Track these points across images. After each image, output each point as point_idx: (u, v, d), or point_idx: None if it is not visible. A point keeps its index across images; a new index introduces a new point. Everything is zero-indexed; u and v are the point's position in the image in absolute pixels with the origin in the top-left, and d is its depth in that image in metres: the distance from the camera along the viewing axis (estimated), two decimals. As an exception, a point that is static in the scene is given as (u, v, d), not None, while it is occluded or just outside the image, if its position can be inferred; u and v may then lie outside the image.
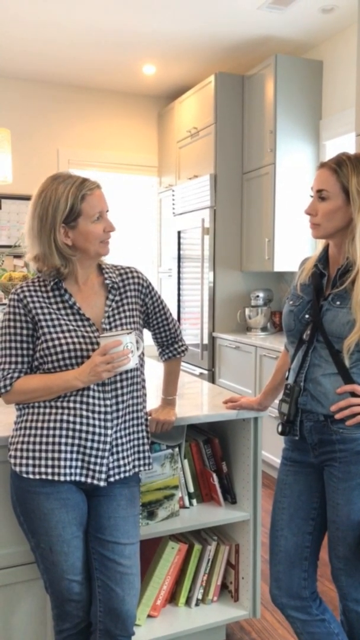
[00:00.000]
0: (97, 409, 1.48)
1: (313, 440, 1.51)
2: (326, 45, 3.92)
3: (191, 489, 2.05)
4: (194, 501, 2.06)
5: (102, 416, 1.48)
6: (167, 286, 5.16)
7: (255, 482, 2.00)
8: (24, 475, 1.44)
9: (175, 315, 4.79)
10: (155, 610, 1.98)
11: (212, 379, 4.30)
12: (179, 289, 4.76)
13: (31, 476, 1.44)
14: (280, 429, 1.56)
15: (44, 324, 1.47)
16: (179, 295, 4.76)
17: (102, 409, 1.48)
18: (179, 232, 4.71)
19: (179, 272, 4.74)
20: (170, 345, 1.77)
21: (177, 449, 1.97)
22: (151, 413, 1.77)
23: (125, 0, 3.34)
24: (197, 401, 2.11)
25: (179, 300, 4.76)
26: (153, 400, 1.94)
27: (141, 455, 1.58)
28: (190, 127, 4.51)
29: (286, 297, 1.68)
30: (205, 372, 4.32)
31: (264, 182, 3.97)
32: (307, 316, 1.52)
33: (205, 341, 4.31)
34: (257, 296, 4.19)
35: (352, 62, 3.63)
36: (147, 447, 1.60)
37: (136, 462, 1.57)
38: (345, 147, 3.51)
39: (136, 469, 1.57)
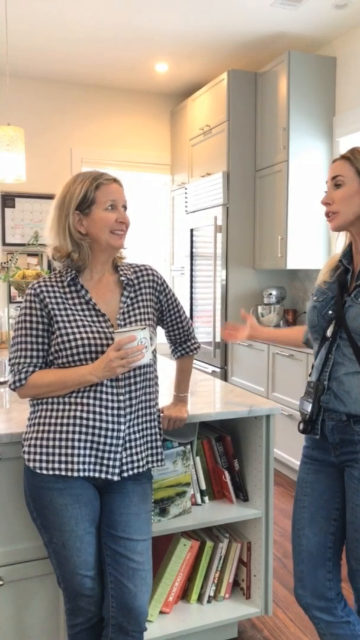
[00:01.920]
0: (110, 404, 1.48)
1: (334, 439, 1.49)
2: (339, 42, 3.89)
3: (203, 486, 2.05)
4: (206, 498, 2.07)
5: (115, 412, 1.49)
6: (179, 284, 5.16)
7: (268, 480, 2.00)
8: (37, 471, 1.46)
9: (188, 313, 4.79)
10: (167, 606, 1.99)
11: (224, 377, 4.30)
12: (191, 287, 4.76)
13: (44, 472, 1.45)
14: (301, 427, 1.54)
15: (59, 318, 1.49)
16: (191, 293, 4.76)
17: (116, 405, 1.49)
18: (191, 230, 4.71)
19: (191, 270, 4.75)
20: (183, 343, 1.78)
21: (189, 447, 1.98)
22: (163, 410, 1.78)
23: (138, -2, 3.34)
24: (209, 399, 2.12)
25: (191, 298, 4.77)
26: (166, 397, 1.95)
27: (154, 451, 1.59)
28: (203, 124, 4.51)
29: (311, 294, 1.66)
30: (218, 370, 4.32)
31: (277, 179, 3.96)
32: (330, 312, 1.49)
33: (218, 339, 4.31)
34: (270, 294, 4.18)
35: (366, 58, 3.60)
36: (159, 444, 1.60)
37: (149, 458, 1.58)
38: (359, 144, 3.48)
39: (149, 465, 1.57)
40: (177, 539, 2.00)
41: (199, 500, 2.05)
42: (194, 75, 4.69)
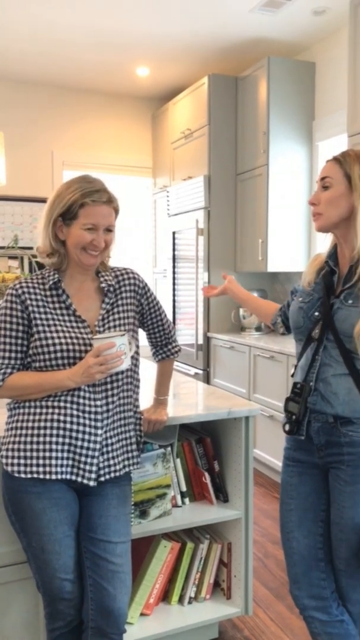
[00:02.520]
0: (87, 408, 1.49)
1: (320, 441, 1.50)
2: (318, 47, 3.94)
3: (183, 488, 2.06)
4: (187, 500, 2.08)
5: (92, 416, 1.49)
6: (162, 286, 5.17)
7: (247, 481, 2.02)
8: (16, 475, 1.46)
9: (170, 316, 4.80)
10: (148, 608, 2.00)
11: (206, 378, 4.32)
12: (174, 290, 4.77)
13: (22, 475, 1.45)
14: (287, 428, 1.54)
15: (39, 322, 1.49)
16: (174, 295, 4.78)
17: (93, 409, 1.50)
18: (173, 233, 4.73)
19: (173, 273, 4.76)
20: (164, 346, 1.79)
21: (169, 449, 1.99)
22: (143, 413, 1.79)
23: (118, 2, 3.35)
24: (190, 401, 2.13)
25: (174, 301, 4.78)
26: (148, 400, 1.96)
27: (130, 454, 1.60)
28: (184, 128, 4.53)
29: (291, 294, 1.67)
30: (200, 372, 4.34)
31: (258, 183, 3.99)
32: (316, 314, 1.50)
33: (200, 341, 4.33)
34: (251, 296, 4.20)
35: (344, 63, 3.65)
36: (135, 447, 1.61)
37: (126, 462, 1.58)
38: (338, 148, 3.53)
39: (126, 469, 1.58)
40: (157, 541, 2.01)
41: (179, 502, 2.06)
42: (175, 79, 4.71)
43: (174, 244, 4.74)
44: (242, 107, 4.17)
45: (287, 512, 1.60)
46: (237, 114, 4.23)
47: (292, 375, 1.59)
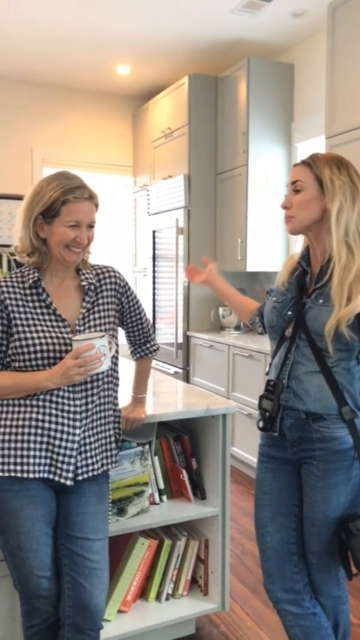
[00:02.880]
0: (66, 407, 1.50)
1: (293, 437, 1.53)
2: (298, 49, 3.98)
3: (161, 486, 2.08)
4: (164, 497, 2.09)
5: (70, 415, 1.50)
6: (142, 285, 5.18)
7: (224, 478, 2.04)
8: (-7, 473, 1.45)
9: (150, 315, 4.81)
10: (125, 605, 2.01)
11: (186, 377, 4.34)
12: (154, 289, 4.78)
13: (0, 473, 1.45)
14: (261, 424, 1.57)
15: (18, 322, 1.49)
16: (154, 294, 4.79)
17: (72, 409, 1.50)
18: (153, 232, 4.73)
19: (154, 272, 4.77)
20: (142, 345, 1.80)
21: (147, 447, 2.00)
22: (121, 411, 1.79)
23: (99, 0, 3.35)
24: (168, 399, 2.14)
25: (154, 300, 4.79)
26: (127, 399, 1.96)
27: (109, 453, 1.61)
28: (165, 127, 4.54)
29: (267, 294, 1.70)
30: (180, 370, 4.35)
31: (237, 183, 4.02)
32: (289, 313, 1.53)
33: (180, 340, 4.35)
34: (231, 296, 4.23)
35: (323, 66, 3.70)
36: (114, 446, 1.62)
37: (104, 461, 1.59)
38: (316, 149, 3.57)
39: (104, 467, 1.59)
40: (135, 538, 2.02)
41: (157, 500, 2.08)
42: (156, 78, 4.71)
43: (154, 242, 4.75)
44: (222, 107, 4.19)
45: (261, 508, 1.63)
46: (217, 114, 4.26)
47: (267, 374, 1.62)
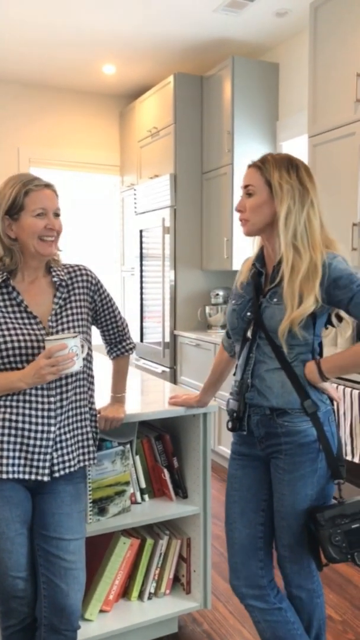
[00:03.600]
0: (40, 406, 1.50)
1: (260, 433, 1.56)
2: (282, 48, 3.99)
3: (143, 485, 2.08)
4: (146, 496, 2.10)
5: (45, 413, 1.50)
6: (130, 285, 5.18)
7: (205, 477, 2.04)
8: (-33, 474, 1.45)
9: (138, 314, 4.81)
10: (107, 605, 2.01)
11: (173, 376, 4.34)
12: (141, 288, 4.78)
13: (-26, 475, 1.45)
14: (230, 425, 1.60)
15: None
16: (141, 294, 4.78)
17: (46, 406, 1.50)
18: (140, 231, 4.73)
19: (141, 271, 4.77)
20: (118, 344, 1.80)
21: (128, 446, 2.00)
22: (100, 411, 1.80)
23: (84, 0, 3.35)
24: (149, 398, 2.15)
25: (141, 299, 4.79)
26: (105, 399, 1.96)
27: (86, 450, 1.61)
28: (151, 126, 4.54)
29: (230, 297, 1.72)
30: (167, 370, 4.35)
31: (223, 182, 4.03)
32: (248, 314, 1.56)
33: (167, 339, 4.35)
34: (217, 294, 4.25)
35: (307, 65, 3.71)
36: (91, 442, 1.62)
37: (81, 457, 1.59)
38: (301, 148, 3.59)
39: (81, 464, 1.59)
40: (117, 537, 2.03)
41: (139, 499, 2.08)
42: (142, 77, 4.71)
43: (141, 242, 4.74)
44: (208, 106, 4.19)
45: (231, 504, 1.65)
46: (202, 113, 4.26)
47: (234, 374, 1.63)
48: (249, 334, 1.55)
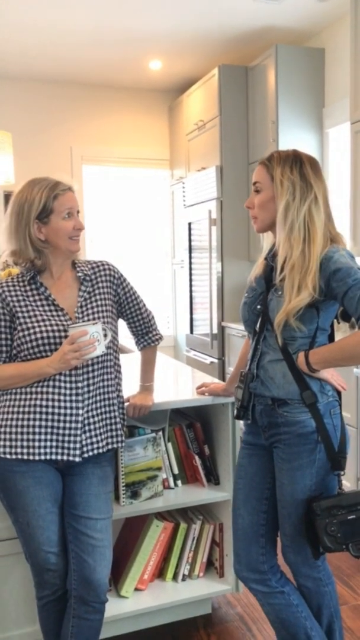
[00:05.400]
0: (68, 391, 1.60)
1: (263, 422, 1.60)
2: (327, 33, 3.91)
3: (175, 471, 2.16)
4: (179, 482, 2.17)
5: (73, 397, 1.60)
6: (180, 277, 5.26)
7: (235, 464, 2.09)
8: (2, 456, 1.58)
9: (187, 306, 4.89)
10: (142, 584, 2.11)
11: (222, 367, 4.39)
12: (190, 280, 4.85)
13: (8, 456, 1.57)
14: (235, 413, 1.66)
15: (20, 315, 1.61)
16: (190, 285, 4.85)
17: (74, 391, 1.61)
18: (189, 224, 4.79)
19: (190, 263, 4.83)
20: (145, 335, 1.88)
21: (160, 433, 2.09)
22: (129, 398, 1.89)
23: (126, 0, 3.43)
24: (180, 387, 2.22)
25: (190, 291, 4.86)
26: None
27: (114, 433, 1.70)
28: (198, 119, 4.58)
29: (245, 291, 1.76)
30: (216, 360, 4.41)
31: (268, 172, 4.00)
32: (258, 307, 1.60)
33: (215, 330, 4.40)
34: (264, 285, 4.24)
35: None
36: (119, 427, 1.71)
37: (109, 440, 1.69)
38: (348, 135, 3.51)
39: (109, 446, 1.69)
40: (150, 520, 2.12)
41: (172, 484, 2.16)
42: (188, 71, 4.75)
43: (189, 234, 4.81)
44: (253, 96, 4.18)
45: (237, 492, 1.71)
46: (247, 104, 4.25)
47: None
48: (257, 326, 1.59)
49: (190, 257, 4.82)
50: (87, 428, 1.63)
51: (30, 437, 1.57)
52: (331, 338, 1.60)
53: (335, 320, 1.60)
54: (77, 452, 1.61)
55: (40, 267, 1.65)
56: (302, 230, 1.48)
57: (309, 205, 1.49)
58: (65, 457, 1.60)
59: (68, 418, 1.60)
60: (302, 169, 1.50)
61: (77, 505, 1.63)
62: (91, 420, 1.64)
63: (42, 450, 1.58)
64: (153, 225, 5.41)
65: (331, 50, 3.89)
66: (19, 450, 1.57)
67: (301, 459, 1.52)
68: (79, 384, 1.62)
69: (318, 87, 3.95)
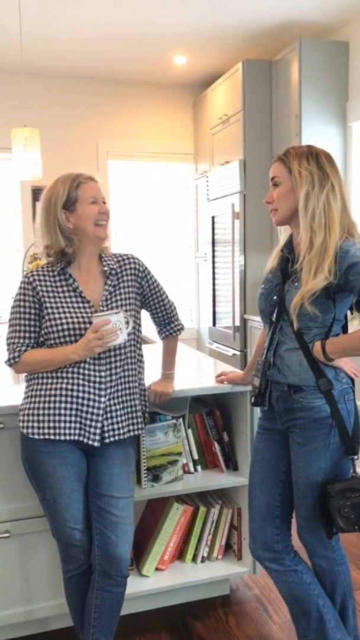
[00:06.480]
0: (91, 378, 1.69)
1: (279, 408, 1.67)
2: (352, 26, 3.91)
3: (195, 456, 2.24)
4: (199, 467, 2.25)
5: (96, 385, 1.69)
6: (203, 270, 5.32)
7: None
8: (30, 436, 1.68)
9: (210, 299, 4.95)
10: (163, 564, 2.20)
11: (244, 359, 4.44)
12: (213, 273, 4.91)
13: (36, 437, 1.67)
14: (252, 400, 1.73)
15: (48, 304, 1.70)
16: (213, 279, 4.91)
17: (97, 379, 1.69)
18: (213, 218, 4.85)
19: (213, 257, 4.89)
20: (167, 325, 1.96)
21: (180, 420, 2.17)
22: (150, 386, 1.97)
23: (149, -3, 3.49)
24: (200, 376, 2.29)
25: (213, 284, 4.92)
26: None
27: (135, 420, 1.78)
28: (222, 114, 4.62)
29: (260, 282, 1.82)
30: (238, 353, 4.47)
31: (291, 166, 4.03)
32: (275, 297, 1.66)
33: (237, 323, 4.45)
34: (287, 278, 4.28)
35: (376, 41, 3.62)
36: (139, 414, 1.80)
37: (130, 427, 1.77)
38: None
39: (130, 433, 1.77)
40: (170, 503, 2.20)
41: (192, 469, 2.24)
42: (212, 66, 4.79)
43: (213, 228, 4.86)
44: (277, 90, 4.20)
45: (253, 475, 1.78)
46: (271, 98, 4.27)
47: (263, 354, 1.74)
48: (274, 316, 1.65)
49: (213, 251, 4.88)
50: (108, 415, 1.71)
51: (56, 417, 1.67)
52: (344, 328, 1.65)
53: (349, 311, 1.65)
54: (97, 437, 1.69)
55: (71, 256, 1.74)
56: (322, 217, 1.55)
57: (327, 194, 1.55)
58: (85, 440, 1.69)
59: (91, 403, 1.68)
60: (318, 160, 1.58)
61: (101, 484, 1.72)
62: (113, 407, 1.72)
63: (66, 431, 1.67)
64: (177, 219, 5.48)
65: (355, 43, 3.89)
66: (45, 430, 1.67)
67: (316, 442, 1.58)
68: (102, 373, 1.70)
69: (342, 80, 3.96)
